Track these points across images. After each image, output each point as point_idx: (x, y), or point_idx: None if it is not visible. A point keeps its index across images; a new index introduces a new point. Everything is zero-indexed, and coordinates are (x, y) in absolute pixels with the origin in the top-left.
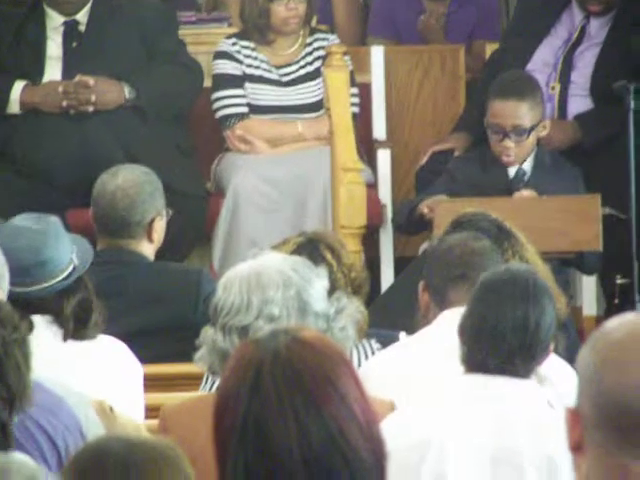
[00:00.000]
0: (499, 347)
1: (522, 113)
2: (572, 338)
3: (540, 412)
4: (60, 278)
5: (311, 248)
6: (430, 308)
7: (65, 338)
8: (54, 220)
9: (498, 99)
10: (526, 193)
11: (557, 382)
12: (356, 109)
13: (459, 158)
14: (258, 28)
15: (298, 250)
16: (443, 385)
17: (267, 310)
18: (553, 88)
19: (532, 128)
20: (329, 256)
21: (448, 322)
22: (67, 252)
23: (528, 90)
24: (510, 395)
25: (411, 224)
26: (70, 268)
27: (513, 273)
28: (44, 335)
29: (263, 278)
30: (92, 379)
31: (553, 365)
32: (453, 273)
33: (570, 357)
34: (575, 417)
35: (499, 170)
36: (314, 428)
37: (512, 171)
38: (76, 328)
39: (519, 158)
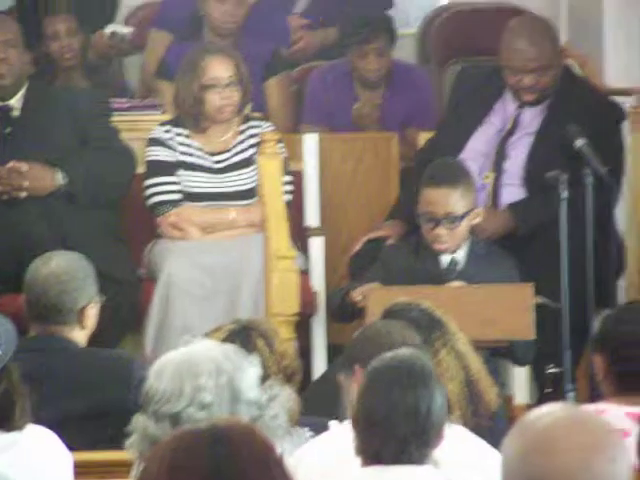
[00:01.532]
0: (392, 435)
1: (454, 200)
2: (502, 428)
3: None
4: None
5: (243, 335)
6: None
7: None
8: None
9: (430, 187)
10: (456, 284)
11: (485, 469)
12: (290, 197)
13: (392, 246)
14: (192, 116)
15: (230, 337)
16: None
17: (199, 397)
18: (487, 177)
19: (464, 215)
20: (261, 343)
21: None
22: None
23: (459, 177)
24: None
25: (343, 311)
26: None
27: (400, 359)
28: None
29: (195, 365)
30: (19, 470)
31: (482, 451)
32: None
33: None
34: None
35: (432, 259)
36: None
37: (445, 260)
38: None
39: (452, 245)
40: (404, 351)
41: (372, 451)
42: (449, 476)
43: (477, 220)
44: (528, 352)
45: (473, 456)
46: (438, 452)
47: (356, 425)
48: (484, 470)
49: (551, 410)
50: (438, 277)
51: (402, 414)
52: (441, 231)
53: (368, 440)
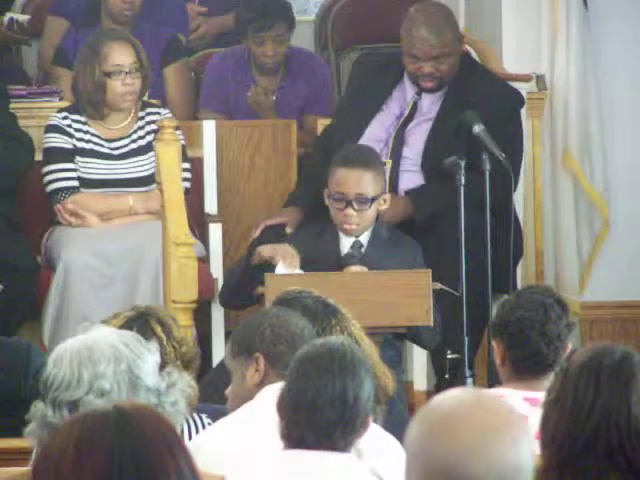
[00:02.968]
0: (317, 421)
1: (366, 182)
2: (400, 412)
3: None
4: None
5: (141, 322)
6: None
7: None
8: None
9: (342, 167)
10: (355, 269)
11: (381, 454)
12: (188, 184)
13: (294, 235)
14: (92, 103)
15: (128, 324)
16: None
17: (97, 384)
18: (385, 164)
19: (374, 198)
20: (159, 330)
21: (272, 396)
22: None
23: (372, 161)
24: (329, 469)
25: (245, 283)
26: None
27: (330, 346)
28: None
29: (94, 352)
30: None
31: (377, 438)
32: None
33: (398, 431)
34: None
35: (335, 243)
36: None
37: (348, 243)
38: None
39: (360, 228)
40: (335, 339)
41: (296, 435)
42: (370, 465)
43: (385, 206)
44: (434, 336)
45: (373, 443)
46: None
47: (282, 409)
48: (383, 457)
49: (456, 393)
50: (340, 261)
51: (329, 400)
52: (351, 212)
53: (293, 424)
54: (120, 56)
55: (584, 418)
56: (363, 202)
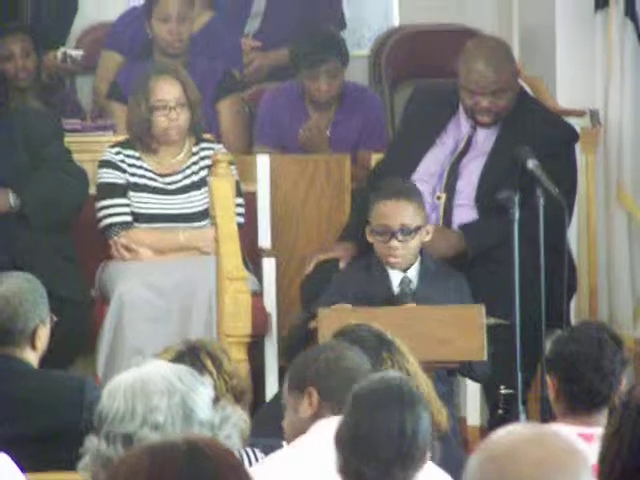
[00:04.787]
0: (375, 456)
1: (409, 213)
2: (454, 449)
3: None
4: None
5: (191, 356)
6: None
7: None
8: None
9: (385, 200)
10: (410, 307)
11: None
12: (241, 219)
13: (343, 273)
14: (140, 137)
15: (178, 358)
16: None
17: (152, 418)
18: (439, 197)
19: (417, 229)
20: (209, 363)
21: (324, 430)
22: None
23: (412, 193)
24: None
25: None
26: None
27: (387, 381)
28: None
29: (148, 385)
30: None
31: (430, 474)
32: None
33: (452, 468)
34: None
35: (384, 280)
36: None
37: (397, 279)
38: None
39: (405, 260)
40: (392, 373)
41: (353, 470)
42: None
43: (427, 238)
44: (485, 367)
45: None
46: None
47: (339, 444)
48: None
49: (516, 429)
50: (392, 300)
51: (387, 434)
52: (395, 243)
53: (351, 459)
54: (165, 91)
55: None
56: (407, 232)
